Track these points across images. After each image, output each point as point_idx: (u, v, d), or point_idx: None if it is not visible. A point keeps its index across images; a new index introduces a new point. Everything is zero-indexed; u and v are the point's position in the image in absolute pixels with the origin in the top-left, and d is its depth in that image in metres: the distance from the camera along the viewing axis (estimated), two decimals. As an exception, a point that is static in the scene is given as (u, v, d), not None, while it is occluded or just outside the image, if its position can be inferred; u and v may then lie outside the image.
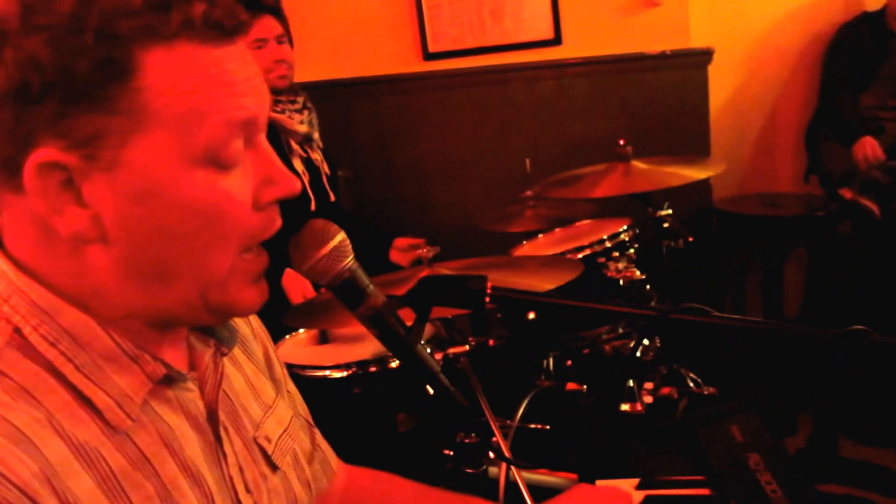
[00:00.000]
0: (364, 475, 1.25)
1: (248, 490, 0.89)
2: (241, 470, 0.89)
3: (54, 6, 0.69)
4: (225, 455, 0.87)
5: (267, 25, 2.64)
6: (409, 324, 0.92)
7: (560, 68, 3.64)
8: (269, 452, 0.95)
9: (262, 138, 0.81)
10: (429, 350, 1.96)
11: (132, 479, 0.76)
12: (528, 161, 2.87)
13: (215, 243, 0.78)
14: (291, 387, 1.13)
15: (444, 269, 1.86)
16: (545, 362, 2.19)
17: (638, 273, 2.19)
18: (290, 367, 2.05)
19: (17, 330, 0.75)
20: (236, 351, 0.98)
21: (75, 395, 0.75)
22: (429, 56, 3.71)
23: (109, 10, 0.70)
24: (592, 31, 3.61)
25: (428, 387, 0.90)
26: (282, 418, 1.01)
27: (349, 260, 0.88)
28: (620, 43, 3.59)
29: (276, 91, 2.69)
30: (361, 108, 3.83)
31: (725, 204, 3.67)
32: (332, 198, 2.84)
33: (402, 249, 2.82)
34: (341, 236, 0.88)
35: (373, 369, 2.00)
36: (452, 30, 3.68)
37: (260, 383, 1.01)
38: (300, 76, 2.93)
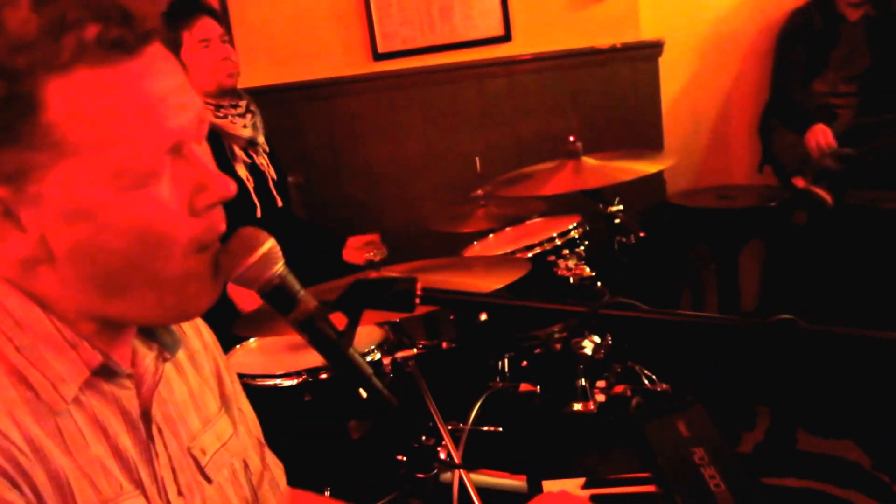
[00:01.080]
0: (306, 499, 1.27)
1: (180, 493, 0.91)
2: (174, 472, 0.91)
3: None
4: (157, 455, 0.89)
5: (207, 25, 2.63)
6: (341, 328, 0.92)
7: (510, 65, 3.62)
8: (203, 465, 0.96)
9: (191, 147, 0.82)
10: (377, 356, 1.96)
11: (54, 451, 0.79)
12: (478, 160, 2.85)
13: (158, 253, 0.80)
14: (244, 404, 1.14)
15: (393, 272, 1.83)
16: (499, 364, 2.18)
17: (588, 270, 2.18)
18: (241, 377, 2.01)
19: None
20: (183, 362, 1.01)
21: (13, 374, 0.78)
22: (378, 56, 3.67)
23: (5, 46, 0.71)
24: (542, 27, 3.59)
25: (361, 390, 0.90)
26: (221, 433, 1.02)
27: (279, 266, 0.88)
28: (570, 38, 3.58)
29: (220, 94, 2.65)
30: (311, 112, 3.79)
31: (679, 198, 3.68)
32: (280, 203, 2.79)
33: (356, 248, 2.79)
34: (270, 243, 0.88)
35: (323, 376, 1.98)
36: (402, 29, 3.65)
37: (203, 396, 1.02)
38: (247, 82, 2.89)
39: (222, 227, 0.85)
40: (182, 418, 0.96)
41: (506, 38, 3.61)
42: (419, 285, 0.89)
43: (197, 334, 1.07)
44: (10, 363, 0.78)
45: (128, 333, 0.89)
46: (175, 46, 2.56)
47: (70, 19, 0.72)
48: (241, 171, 2.68)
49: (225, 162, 2.65)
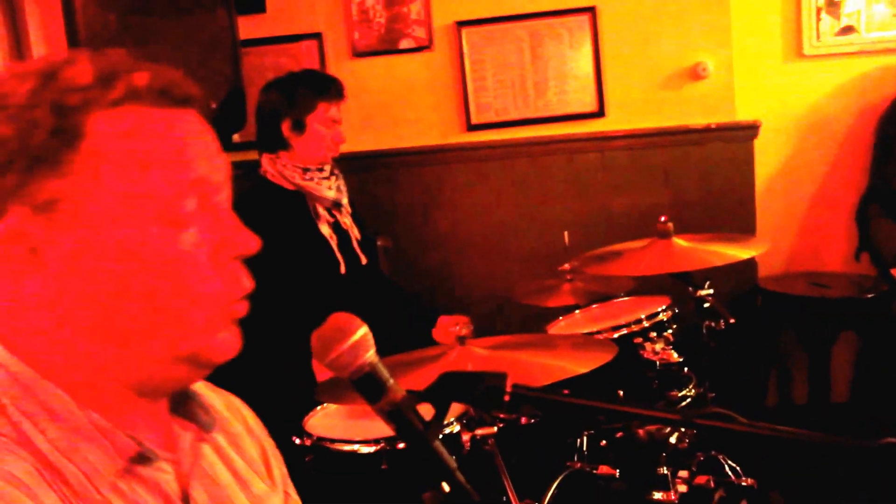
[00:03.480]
0: None
1: None
2: None
3: (17, 90, 0.78)
4: None
5: (340, 110, 2.78)
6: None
7: (602, 141, 3.63)
8: None
9: (221, 200, 0.85)
10: (456, 428, 1.95)
11: None
12: (566, 234, 2.85)
13: (178, 300, 0.81)
14: (292, 490, 1.13)
15: (477, 348, 1.83)
16: (579, 442, 2.14)
17: (675, 356, 2.15)
18: (320, 440, 2.04)
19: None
20: (225, 445, 0.99)
21: (47, 468, 0.77)
22: (472, 127, 3.73)
23: (62, 87, 0.78)
24: (636, 104, 3.61)
25: (444, 484, 0.88)
26: None
27: (370, 354, 0.88)
28: (664, 116, 3.58)
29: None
30: (403, 178, 3.85)
31: (771, 283, 3.59)
32: (364, 260, 2.85)
33: (446, 329, 2.81)
34: (363, 331, 0.88)
35: (401, 445, 1.97)
36: (496, 102, 3.71)
37: (250, 478, 1.01)
38: (349, 147, 2.98)
39: (243, 284, 0.86)
40: (229, 499, 0.95)
41: (599, 113, 3.64)
42: (509, 382, 0.88)
43: (239, 419, 1.06)
44: (42, 456, 0.77)
45: (160, 410, 0.89)
46: (303, 110, 2.71)
47: (124, 69, 0.80)
48: (325, 230, 2.76)
49: (309, 220, 2.74)
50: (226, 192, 0.86)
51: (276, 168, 2.73)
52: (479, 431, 1.82)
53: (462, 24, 3.68)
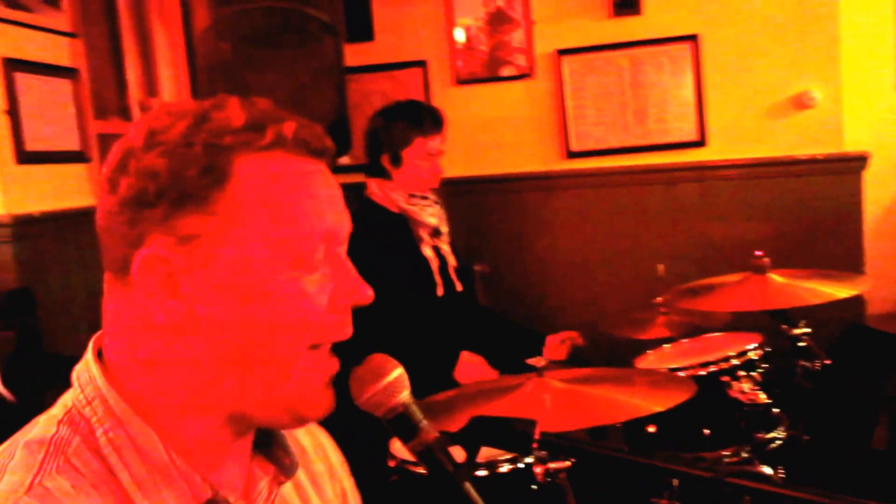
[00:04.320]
0: None
1: None
2: None
3: (172, 128, 0.82)
4: None
5: (440, 142, 2.84)
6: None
7: (703, 170, 3.58)
8: None
9: (342, 251, 0.88)
10: (530, 459, 1.95)
11: None
12: (660, 267, 2.82)
13: (292, 337, 0.84)
14: None
15: (554, 381, 1.84)
16: (671, 480, 2.11)
17: (763, 396, 2.09)
18: (403, 463, 2.08)
19: (93, 431, 0.83)
20: (305, 483, 1.02)
21: (126, 501, 0.81)
22: (571, 154, 3.74)
23: (215, 128, 0.82)
24: (739, 134, 3.54)
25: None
26: None
27: (404, 395, 0.91)
28: (768, 146, 3.50)
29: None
30: (502, 205, 3.89)
31: (879, 321, 3.44)
32: (459, 288, 2.89)
33: (556, 344, 2.84)
34: (398, 372, 0.91)
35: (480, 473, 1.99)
36: (595, 129, 3.71)
37: None
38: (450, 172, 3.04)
39: (348, 330, 0.88)
40: None
41: (700, 143, 3.59)
42: (538, 429, 0.90)
43: (323, 458, 1.08)
44: (124, 493, 0.80)
45: (241, 452, 0.91)
46: (399, 144, 2.79)
47: (273, 116, 0.84)
48: (427, 252, 2.84)
49: (411, 242, 2.83)
50: (346, 244, 0.89)
51: (382, 191, 2.83)
52: (551, 465, 1.82)
53: (563, 52, 3.70)
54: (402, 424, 0.90)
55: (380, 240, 2.73)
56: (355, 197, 2.92)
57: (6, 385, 1.98)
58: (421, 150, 2.80)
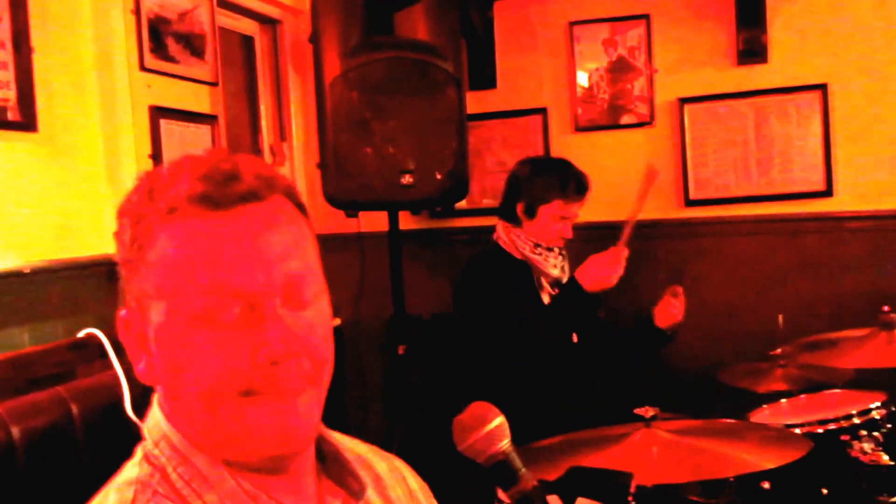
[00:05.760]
0: None
1: None
2: None
3: (125, 201, 0.93)
4: None
5: (577, 209, 2.94)
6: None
7: (829, 221, 3.48)
8: None
9: (268, 305, 0.86)
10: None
11: None
12: (780, 318, 2.77)
13: (207, 387, 0.86)
14: None
15: (662, 431, 1.84)
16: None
17: (885, 458, 2.01)
18: None
19: (164, 468, 0.90)
20: None
21: None
22: (689, 202, 3.70)
23: (140, 200, 0.91)
24: (869, 184, 3.43)
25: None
26: None
27: (504, 443, 0.95)
28: (901, 197, 3.37)
29: None
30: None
31: None
32: (575, 339, 2.92)
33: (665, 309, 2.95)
34: (499, 421, 0.95)
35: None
36: (716, 178, 3.67)
37: None
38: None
39: (285, 382, 0.87)
40: None
41: (826, 192, 3.49)
42: (634, 483, 0.92)
43: (400, 482, 1.09)
44: None
45: (302, 477, 0.94)
46: (538, 199, 2.87)
47: (171, 181, 0.88)
48: (546, 300, 2.89)
49: (532, 289, 2.89)
50: (288, 291, 0.88)
51: (509, 236, 2.92)
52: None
53: (685, 100, 3.69)
54: (502, 472, 0.94)
55: (503, 283, 2.81)
56: (473, 240, 2.99)
57: (135, 411, 2.11)
58: (557, 211, 2.87)
